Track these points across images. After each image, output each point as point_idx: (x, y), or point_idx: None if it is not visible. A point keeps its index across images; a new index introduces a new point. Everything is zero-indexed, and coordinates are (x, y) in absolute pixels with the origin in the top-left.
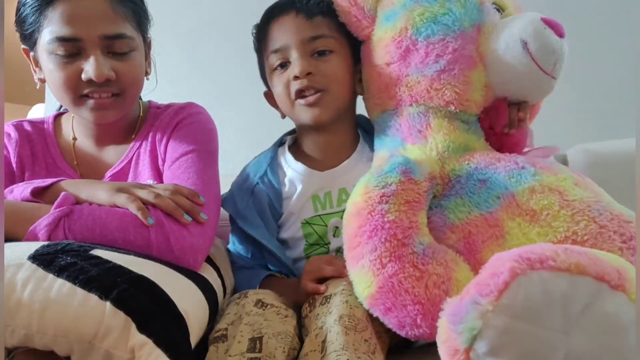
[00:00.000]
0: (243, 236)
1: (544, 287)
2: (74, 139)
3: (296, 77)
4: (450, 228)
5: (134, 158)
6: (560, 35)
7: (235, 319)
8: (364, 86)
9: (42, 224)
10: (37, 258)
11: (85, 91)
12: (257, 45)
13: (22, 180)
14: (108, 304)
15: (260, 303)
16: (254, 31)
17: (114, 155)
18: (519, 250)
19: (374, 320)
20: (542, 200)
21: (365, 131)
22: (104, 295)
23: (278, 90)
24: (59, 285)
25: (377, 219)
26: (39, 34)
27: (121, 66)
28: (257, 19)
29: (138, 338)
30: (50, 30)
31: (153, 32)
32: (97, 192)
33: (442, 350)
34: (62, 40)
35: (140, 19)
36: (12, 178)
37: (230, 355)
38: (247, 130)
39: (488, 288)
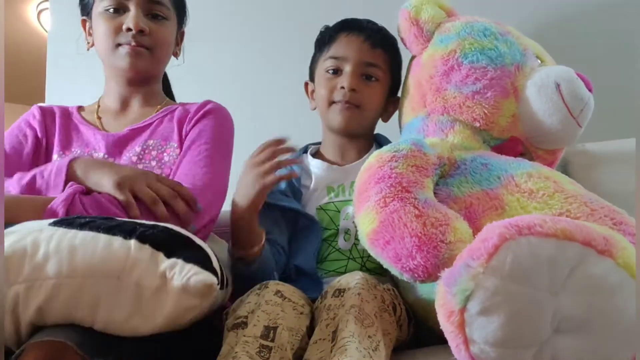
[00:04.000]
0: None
1: (532, 250)
2: (98, 106)
3: (342, 88)
4: (453, 199)
5: (155, 123)
6: (589, 89)
7: (255, 308)
8: (406, 95)
9: (58, 200)
10: (57, 222)
11: (123, 40)
12: (319, 42)
13: (49, 142)
14: (133, 241)
15: (280, 294)
16: (323, 30)
17: (137, 116)
18: (509, 219)
19: (383, 318)
20: (539, 183)
21: (380, 145)
22: (127, 235)
23: (322, 91)
24: (83, 235)
25: (385, 170)
26: (94, 0)
27: (154, 26)
28: (257, 23)
29: (167, 262)
30: None
31: None
32: (102, 180)
33: (440, 313)
34: None
35: (177, 1)
36: (37, 147)
37: (244, 336)
38: (246, 132)
39: (479, 252)
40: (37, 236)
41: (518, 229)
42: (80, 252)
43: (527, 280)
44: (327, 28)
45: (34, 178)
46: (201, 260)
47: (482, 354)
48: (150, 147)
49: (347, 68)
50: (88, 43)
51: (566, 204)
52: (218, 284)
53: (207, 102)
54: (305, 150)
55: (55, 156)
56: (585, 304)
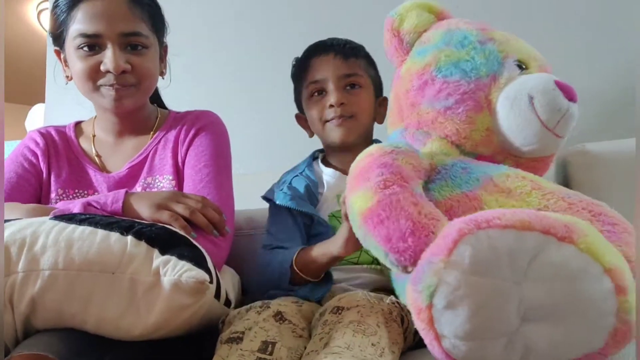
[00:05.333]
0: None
1: (491, 242)
2: (93, 135)
3: (331, 106)
4: (434, 203)
5: (151, 153)
6: (571, 98)
7: (253, 325)
8: (388, 107)
9: (72, 210)
10: (58, 217)
11: (104, 82)
12: (295, 74)
13: (49, 176)
14: (129, 237)
15: (280, 316)
16: (294, 63)
17: (132, 148)
18: (470, 215)
19: (392, 327)
20: (516, 182)
21: None
22: (124, 232)
23: (313, 113)
24: (82, 229)
25: (387, 159)
26: (67, 33)
27: (136, 59)
28: (253, 26)
29: (161, 258)
30: (75, 28)
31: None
32: (140, 209)
33: (411, 312)
34: (85, 36)
35: (155, 22)
36: (41, 177)
37: (241, 349)
38: (246, 132)
39: (439, 248)
40: (37, 228)
41: (476, 223)
42: (77, 245)
43: (488, 272)
44: (297, 60)
45: (89, 204)
46: (195, 258)
47: (453, 349)
48: (151, 185)
49: (330, 86)
50: (67, 77)
51: (544, 200)
52: (210, 282)
53: (198, 116)
54: (314, 156)
55: (60, 190)
56: (549, 291)
